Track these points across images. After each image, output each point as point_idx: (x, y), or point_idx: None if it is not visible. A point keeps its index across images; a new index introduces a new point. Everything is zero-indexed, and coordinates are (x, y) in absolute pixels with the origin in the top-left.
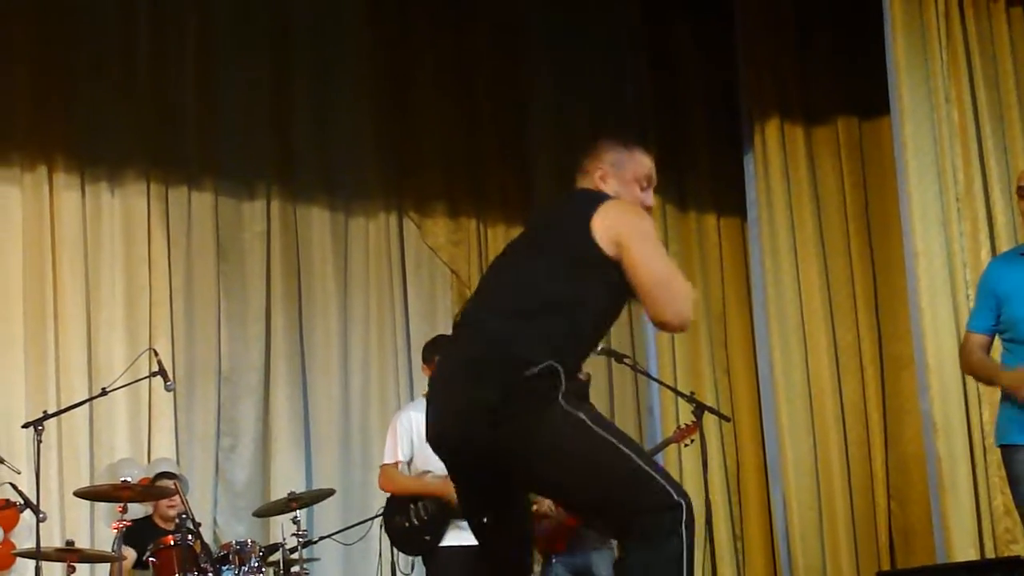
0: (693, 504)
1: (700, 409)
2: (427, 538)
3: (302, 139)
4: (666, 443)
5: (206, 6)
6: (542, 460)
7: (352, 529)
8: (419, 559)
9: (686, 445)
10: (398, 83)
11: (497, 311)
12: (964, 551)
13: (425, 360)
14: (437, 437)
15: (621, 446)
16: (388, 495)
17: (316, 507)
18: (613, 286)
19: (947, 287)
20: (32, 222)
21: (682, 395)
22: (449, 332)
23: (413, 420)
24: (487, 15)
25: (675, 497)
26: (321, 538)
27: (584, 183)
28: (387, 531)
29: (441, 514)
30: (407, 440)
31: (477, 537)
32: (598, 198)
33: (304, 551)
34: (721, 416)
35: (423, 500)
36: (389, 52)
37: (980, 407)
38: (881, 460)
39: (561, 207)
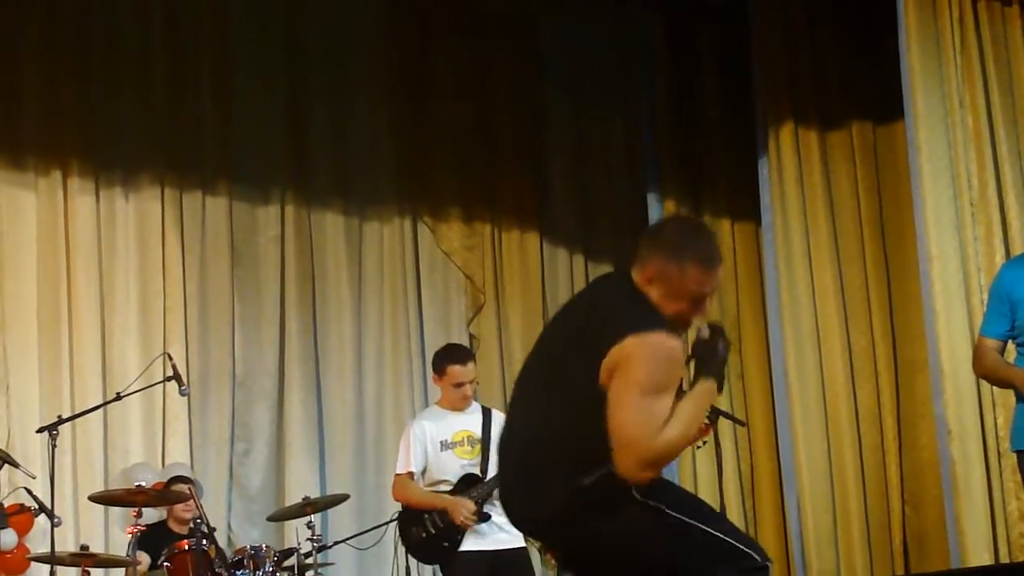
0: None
1: (715, 414)
2: (445, 544)
3: (316, 144)
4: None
5: (222, 11)
6: (633, 561)
7: (366, 534)
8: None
9: (698, 447)
10: (413, 88)
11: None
12: (979, 556)
13: (436, 370)
14: (519, 521)
15: (704, 526)
16: (401, 506)
17: (330, 512)
18: None
19: (961, 291)
20: (47, 227)
21: None
22: (462, 339)
23: (427, 430)
24: (503, 21)
25: (759, 560)
26: (336, 543)
27: (634, 271)
28: (403, 542)
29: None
30: (420, 450)
31: None
32: (624, 319)
33: (318, 556)
34: (736, 421)
35: (438, 511)
36: (404, 57)
37: (995, 411)
38: (896, 464)
39: (589, 311)
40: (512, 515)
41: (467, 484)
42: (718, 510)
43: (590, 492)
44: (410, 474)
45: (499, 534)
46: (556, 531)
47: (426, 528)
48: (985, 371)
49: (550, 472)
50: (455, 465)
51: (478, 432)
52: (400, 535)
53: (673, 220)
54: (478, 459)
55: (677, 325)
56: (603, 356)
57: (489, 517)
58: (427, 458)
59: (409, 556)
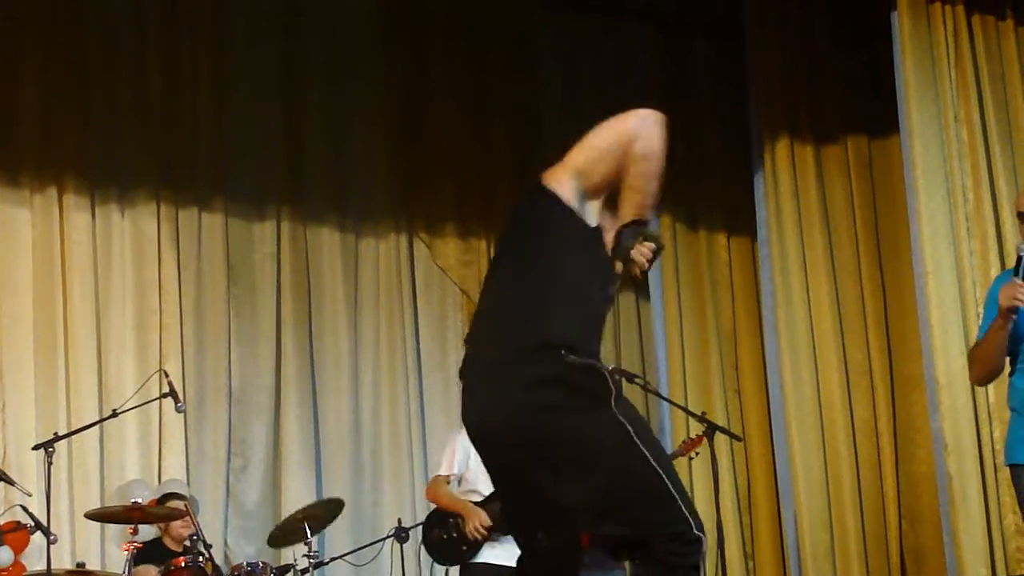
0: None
1: (711, 429)
2: (464, 548)
3: (312, 160)
4: (672, 456)
5: (219, 28)
6: (577, 460)
7: (363, 550)
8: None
9: (691, 458)
10: (408, 104)
11: (506, 312)
12: (975, 570)
13: None
14: (477, 428)
15: (659, 469)
16: (432, 510)
17: (327, 528)
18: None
19: (957, 306)
20: (42, 244)
21: (693, 415)
22: (458, 355)
23: None
24: (499, 36)
25: (694, 531)
26: (332, 559)
27: None
28: (424, 543)
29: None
30: (464, 456)
31: (524, 556)
32: None
33: (315, 572)
34: (732, 436)
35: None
36: (400, 73)
37: (991, 425)
38: (892, 479)
39: None
40: (478, 396)
41: (495, 498)
42: (715, 526)
43: (577, 373)
44: (448, 477)
45: (505, 550)
46: (521, 395)
47: (448, 531)
48: (973, 353)
49: (537, 347)
50: (486, 478)
51: None
52: (423, 535)
53: None
54: None
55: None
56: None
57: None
58: (468, 467)
59: (405, 571)
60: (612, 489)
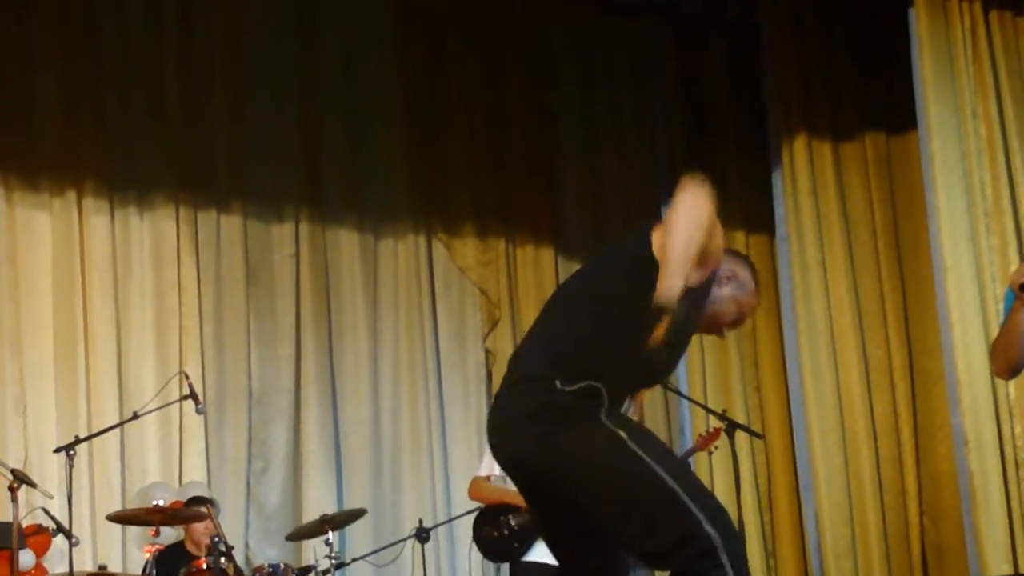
0: (734, 532)
1: (732, 427)
2: (516, 545)
3: (331, 161)
4: (691, 451)
5: (235, 31)
6: (576, 477)
7: (384, 551)
8: None
9: (711, 452)
10: (426, 105)
11: (536, 336)
12: (997, 566)
13: None
14: (498, 458)
15: (660, 470)
16: (479, 509)
17: (348, 529)
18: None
19: (976, 301)
20: (62, 247)
21: (713, 412)
22: (478, 354)
23: None
24: (516, 37)
25: (706, 528)
26: (353, 560)
27: None
28: (475, 540)
29: (531, 525)
30: None
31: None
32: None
33: (336, 573)
34: (753, 433)
35: (512, 511)
36: (418, 74)
37: (1012, 422)
38: (913, 476)
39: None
40: (492, 422)
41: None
42: (736, 523)
43: (568, 398)
44: (489, 477)
45: None
46: (518, 428)
47: (499, 528)
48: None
49: (536, 380)
50: None
51: None
52: (474, 533)
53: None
54: None
55: (711, 323)
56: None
57: None
58: None
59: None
60: (615, 498)
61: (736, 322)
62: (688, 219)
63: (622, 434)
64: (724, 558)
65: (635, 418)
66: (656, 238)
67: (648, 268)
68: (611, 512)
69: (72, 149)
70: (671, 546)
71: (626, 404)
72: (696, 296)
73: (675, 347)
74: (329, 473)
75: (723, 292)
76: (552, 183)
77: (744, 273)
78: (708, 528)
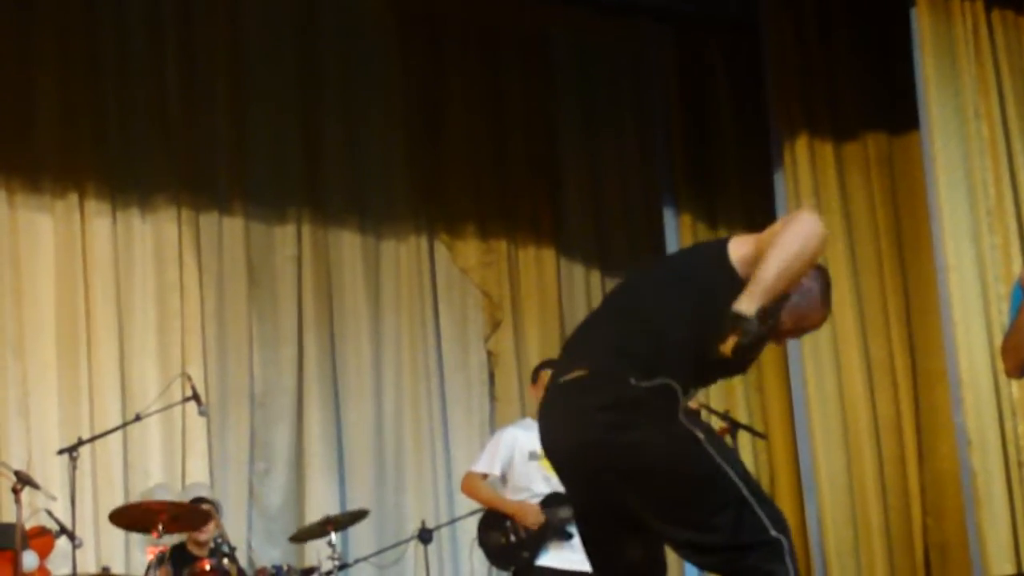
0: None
1: (735, 427)
2: (525, 554)
3: (332, 163)
4: None
5: (236, 31)
6: (648, 474)
7: (387, 552)
8: None
9: None
10: (428, 106)
11: (603, 331)
12: (1001, 566)
13: (532, 379)
14: (552, 449)
15: (731, 473)
16: (483, 512)
17: (350, 530)
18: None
19: (979, 301)
20: (63, 249)
21: (716, 413)
22: (480, 356)
23: (519, 438)
24: (515, 39)
25: (772, 532)
26: (356, 561)
27: None
28: (482, 546)
29: (540, 531)
30: (506, 457)
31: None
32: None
33: (339, 574)
34: (756, 434)
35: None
36: (419, 76)
37: (1015, 420)
38: (916, 475)
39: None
40: (550, 415)
41: (556, 502)
42: None
43: (645, 394)
44: (485, 475)
45: (579, 554)
46: (587, 418)
47: (507, 535)
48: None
49: (609, 375)
50: (539, 476)
51: None
52: (479, 537)
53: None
54: None
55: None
56: (726, 245)
57: (572, 536)
58: (513, 466)
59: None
60: (688, 498)
61: (794, 332)
62: (798, 247)
63: (699, 434)
64: (788, 560)
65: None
66: (735, 248)
67: (728, 276)
68: (679, 510)
69: (73, 151)
70: (740, 547)
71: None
72: (770, 309)
73: (749, 355)
74: (331, 474)
75: (787, 302)
76: (553, 184)
77: (811, 283)
78: (774, 533)
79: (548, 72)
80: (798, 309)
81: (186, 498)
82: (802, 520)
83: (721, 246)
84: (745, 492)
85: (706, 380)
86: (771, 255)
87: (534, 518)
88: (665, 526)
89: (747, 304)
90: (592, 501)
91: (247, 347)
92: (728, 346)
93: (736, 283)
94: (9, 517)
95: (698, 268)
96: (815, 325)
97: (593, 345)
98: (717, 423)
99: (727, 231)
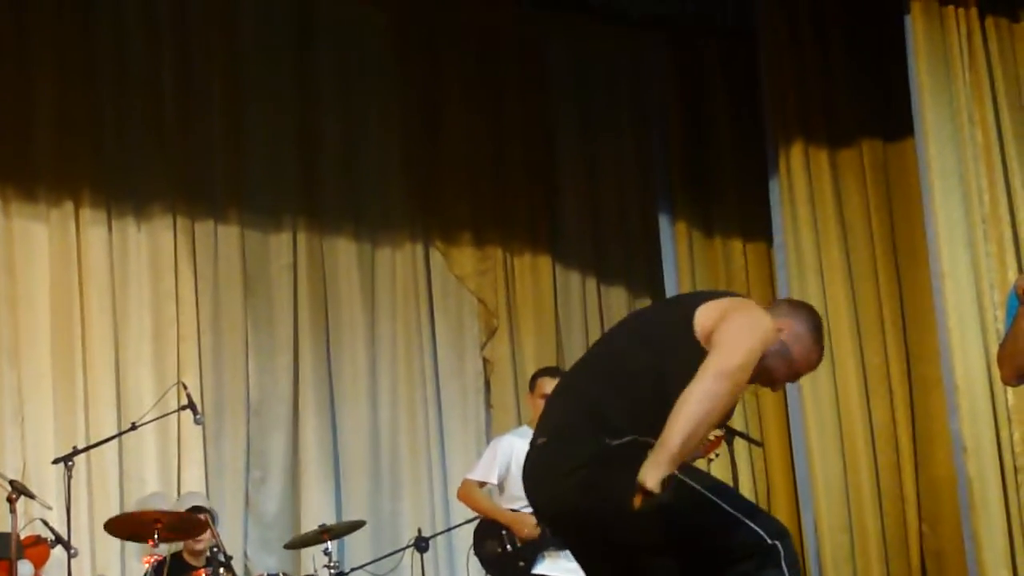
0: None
1: (731, 435)
2: (521, 564)
3: (327, 171)
4: (692, 459)
5: (232, 39)
6: (636, 520)
7: (383, 560)
8: None
9: (711, 460)
10: (424, 112)
11: (592, 380)
12: (997, 572)
13: (530, 387)
14: (537, 508)
15: (716, 498)
16: (478, 520)
17: (347, 538)
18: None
19: (974, 308)
20: (59, 258)
21: None
22: (476, 363)
23: (515, 446)
24: (512, 46)
25: (768, 541)
26: (352, 569)
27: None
28: (477, 554)
29: (535, 540)
30: (503, 465)
31: None
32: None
33: None
34: (752, 441)
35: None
36: (414, 83)
37: (1010, 427)
38: (912, 482)
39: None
40: (531, 476)
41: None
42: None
43: (615, 451)
44: (482, 484)
45: (575, 563)
46: (563, 481)
47: (503, 544)
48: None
49: (581, 436)
50: None
51: None
52: (475, 546)
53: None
54: None
55: (762, 378)
56: (694, 311)
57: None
58: (509, 475)
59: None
60: (676, 535)
61: (790, 377)
62: (706, 408)
63: (676, 473)
64: (784, 566)
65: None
66: (701, 320)
67: (691, 344)
68: (672, 547)
69: (69, 160)
70: (734, 560)
71: None
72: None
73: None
74: (328, 482)
75: (772, 348)
76: (549, 191)
77: (798, 326)
78: (771, 541)
79: (545, 78)
80: (790, 355)
81: (182, 507)
82: (798, 527)
83: (688, 315)
84: (733, 512)
85: None
86: (678, 418)
87: (529, 530)
88: (661, 560)
89: (652, 475)
90: (583, 547)
91: (243, 355)
92: (636, 503)
93: (697, 351)
94: (4, 526)
95: (665, 334)
96: (811, 367)
97: (567, 408)
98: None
99: (723, 237)
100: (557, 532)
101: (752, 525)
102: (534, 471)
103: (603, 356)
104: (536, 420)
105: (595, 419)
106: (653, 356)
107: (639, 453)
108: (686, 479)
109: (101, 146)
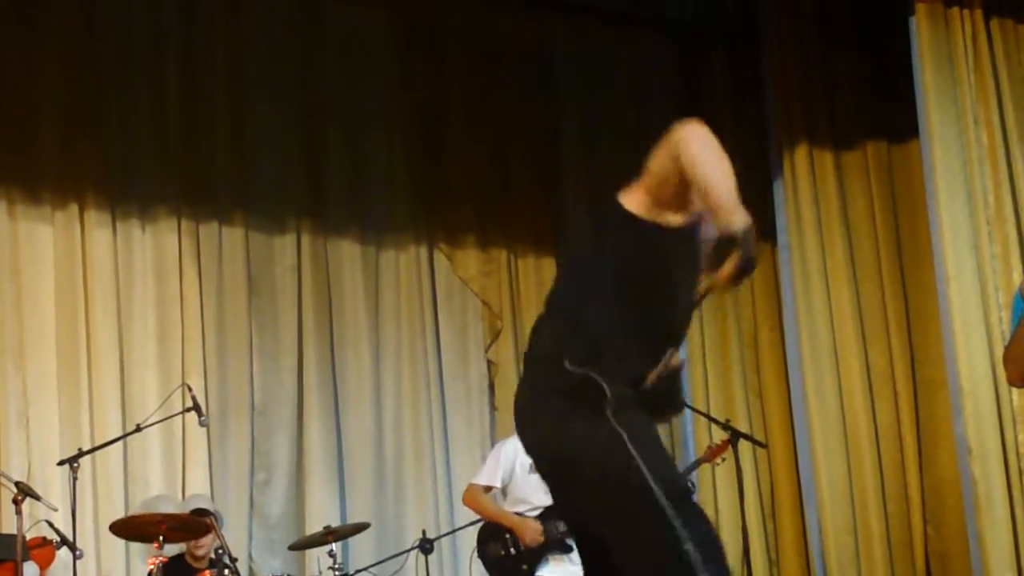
0: (720, 545)
1: (735, 436)
2: (524, 567)
3: (332, 173)
4: (698, 463)
5: (236, 42)
6: (576, 470)
7: (387, 562)
8: None
9: (717, 464)
10: (428, 116)
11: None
12: (1001, 574)
13: None
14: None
15: (649, 474)
16: (482, 523)
17: (351, 540)
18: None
19: (979, 310)
20: (64, 260)
21: (716, 421)
22: (480, 365)
23: (518, 449)
24: (517, 49)
25: (685, 547)
26: (357, 571)
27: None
28: (481, 557)
29: (539, 544)
30: (507, 468)
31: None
32: None
33: None
34: (756, 443)
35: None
36: (419, 86)
37: (1015, 429)
38: (916, 483)
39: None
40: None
41: (555, 515)
42: (740, 532)
43: (571, 380)
44: (488, 488)
45: (578, 567)
46: (532, 418)
47: (506, 547)
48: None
49: (548, 360)
50: (539, 489)
51: None
52: (478, 548)
53: None
54: None
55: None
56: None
57: (571, 549)
58: (513, 478)
59: None
60: (603, 501)
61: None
62: (713, 152)
63: (623, 435)
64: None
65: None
66: (629, 200)
67: (635, 229)
68: (597, 511)
69: (74, 162)
70: (642, 557)
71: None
72: (682, 243)
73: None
74: (332, 483)
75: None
76: (553, 194)
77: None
78: (687, 547)
79: (549, 82)
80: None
81: (187, 508)
82: (803, 528)
83: (615, 206)
84: (663, 502)
85: (670, 338)
86: (702, 174)
87: (532, 536)
88: (592, 526)
89: (738, 216)
90: (554, 489)
91: (247, 357)
92: (728, 273)
93: (647, 230)
94: (10, 528)
95: (604, 238)
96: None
97: (538, 329)
98: (718, 433)
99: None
100: (540, 471)
101: (675, 526)
102: (519, 389)
103: (555, 289)
104: None
105: (556, 339)
106: (603, 268)
107: (591, 395)
108: (632, 450)
109: (106, 148)
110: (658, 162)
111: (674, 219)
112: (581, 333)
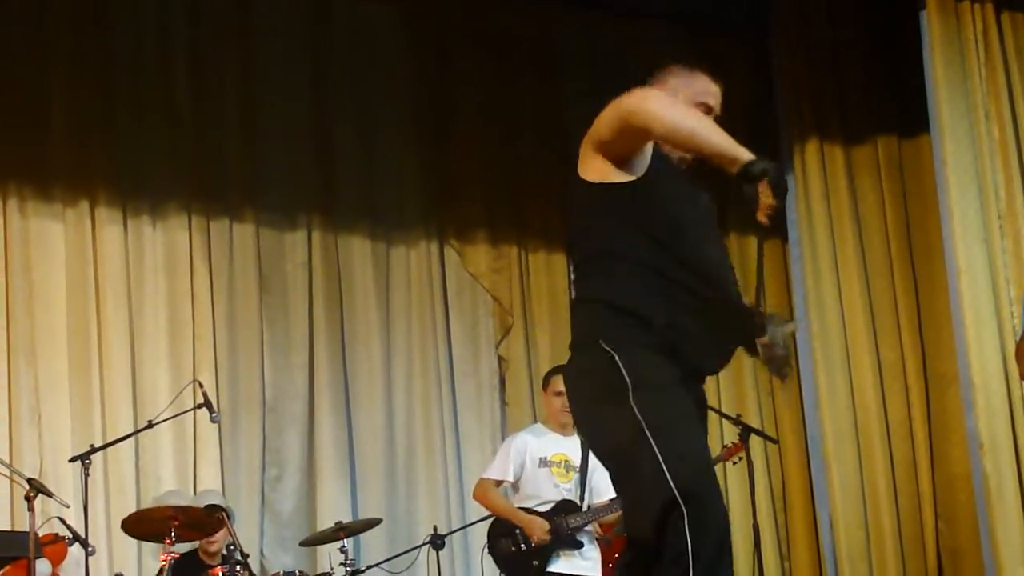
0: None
1: (746, 432)
2: (535, 563)
3: (343, 169)
4: (715, 461)
5: (247, 39)
6: (602, 452)
7: (399, 558)
8: None
9: (734, 463)
10: (438, 111)
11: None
12: (1014, 569)
13: (543, 386)
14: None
15: (664, 464)
16: (493, 518)
17: (362, 536)
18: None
19: (991, 304)
20: (75, 257)
21: (728, 417)
22: (491, 361)
23: (530, 444)
24: (526, 42)
25: (685, 541)
26: (368, 567)
27: None
28: (491, 553)
29: (549, 540)
30: (518, 463)
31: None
32: None
33: None
34: (767, 438)
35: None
36: (429, 81)
37: None
38: (928, 479)
39: None
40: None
41: (565, 510)
42: (752, 529)
43: (600, 362)
44: (499, 483)
45: (588, 561)
46: (573, 386)
47: (517, 543)
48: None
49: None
50: (549, 484)
51: (576, 459)
52: (488, 544)
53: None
54: (571, 484)
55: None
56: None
57: (582, 545)
58: (523, 472)
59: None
60: (621, 486)
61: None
62: (690, 119)
63: (642, 421)
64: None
65: None
66: (589, 171)
67: (606, 197)
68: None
69: (84, 160)
70: (657, 548)
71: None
72: (665, 179)
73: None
74: (343, 480)
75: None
76: (563, 190)
77: (674, 79)
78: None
79: (559, 77)
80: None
81: (199, 504)
82: (814, 524)
83: (579, 182)
84: (677, 495)
85: (710, 281)
86: (686, 127)
87: (540, 534)
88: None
89: (741, 148)
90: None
91: (258, 353)
92: (768, 200)
93: (633, 187)
94: (22, 525)
95: (588, 218)
96: (708, 90)
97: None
98: (729, 429)
99: (737, 233)
100: None
101: (683, 519)
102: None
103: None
104: (550, 420)
105: (578, 322)
106: (599, 252)
107: (617, 376)
108: (648, 433)
109: (116, 145)
110: (607, 123)
111: (640, 165)
112: (619, 309)
